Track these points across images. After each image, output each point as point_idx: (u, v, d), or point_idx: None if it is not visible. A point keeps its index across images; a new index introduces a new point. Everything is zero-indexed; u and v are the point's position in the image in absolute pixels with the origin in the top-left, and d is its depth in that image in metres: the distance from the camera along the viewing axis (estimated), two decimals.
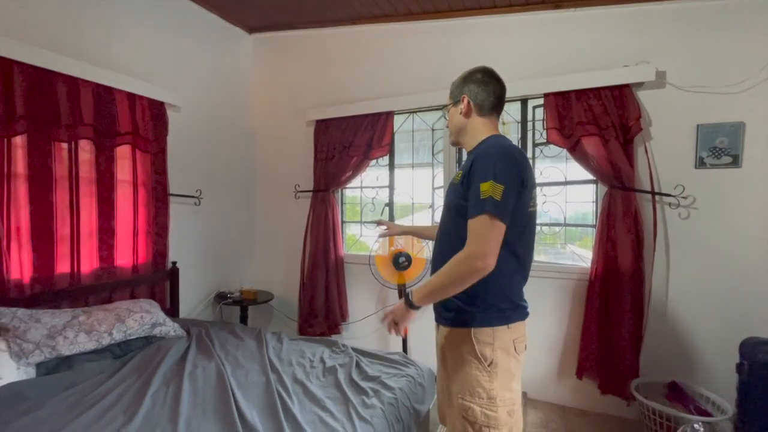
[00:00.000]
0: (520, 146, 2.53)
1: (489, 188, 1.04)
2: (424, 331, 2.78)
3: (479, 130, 1.24)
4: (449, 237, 1.19)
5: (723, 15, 2.08)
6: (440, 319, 1.25)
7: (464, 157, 2.77)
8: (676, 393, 2.05)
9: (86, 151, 2.10)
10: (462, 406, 1.13)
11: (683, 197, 2.15)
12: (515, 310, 1.16)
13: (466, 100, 1.24)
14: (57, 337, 1.70)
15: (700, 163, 2.12)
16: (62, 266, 2.02)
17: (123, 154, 2.28)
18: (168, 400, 1.47)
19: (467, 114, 1.25)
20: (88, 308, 1.98)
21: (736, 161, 2.06)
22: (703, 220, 2.13)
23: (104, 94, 2.16)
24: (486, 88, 1.23)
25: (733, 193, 2.07)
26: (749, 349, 1.72)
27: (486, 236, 1.04)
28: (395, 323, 1.18)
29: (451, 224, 1.19)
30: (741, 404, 1.74)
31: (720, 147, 2.08)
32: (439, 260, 1.20)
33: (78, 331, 1.77)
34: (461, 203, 1.13)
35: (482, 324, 1.13)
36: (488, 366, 1.12)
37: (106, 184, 2.18)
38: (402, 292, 2.68)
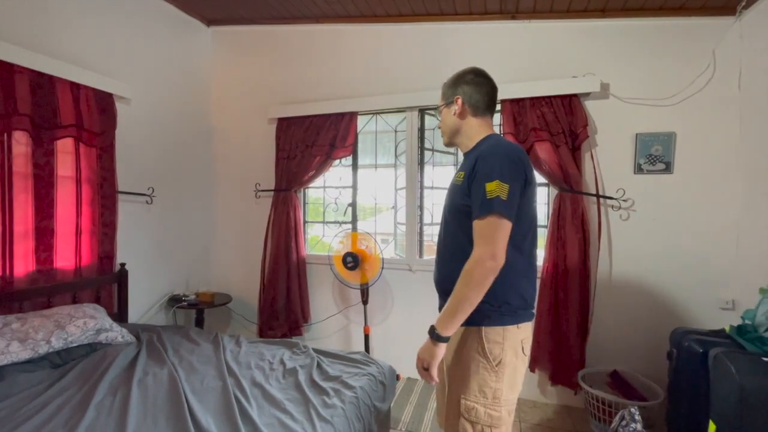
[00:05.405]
0: None
1: (496, 188, 1.05)
2: (386, 329, 2.83)
3: (475, 130, 1.25)
4: (455, 238, 1.18)
5: (658, 34, 2.28)
6: None
7: (434, 158, 2.91)
8: (617, 381, 2.22)
9: (22, 143, 1.93)
10: (465, 405, 1.13)
11: (624, 200, 2.33)
12: (525, 310, 1.17)
13: (460, 101, 1.24)
14: None
15: (638, 169, 2.31)
16: None
17: (65, 147, 2.12)
18: (114, 410, 1.38)
19: (462, 115, 1.25)
20: (23, 315, 1.82)
21: (668, 168, 2.27)
22: (640, 221, 2.32)
23: (43, 82, 1.99)
24: (479, 89, 1.24)
25: (666, 196, 2.28)
26: (678, 337, 1.90)
27: (494, 236, 1.04)
28: (425, 369, 1.11)
29: (455, 225, 1.19)
30: (671, 388, 1.91)
31: (655, 154, 2.28)
32: (447, 262, 1.20)
33: (10, 339, 1.63)
34: (465, 203, 1.13)
35: (494, 323, 1.12)
36: (496, 366, 1.11)
37: (45, 180, 2.01)
38: (365, 292, 2.69)
